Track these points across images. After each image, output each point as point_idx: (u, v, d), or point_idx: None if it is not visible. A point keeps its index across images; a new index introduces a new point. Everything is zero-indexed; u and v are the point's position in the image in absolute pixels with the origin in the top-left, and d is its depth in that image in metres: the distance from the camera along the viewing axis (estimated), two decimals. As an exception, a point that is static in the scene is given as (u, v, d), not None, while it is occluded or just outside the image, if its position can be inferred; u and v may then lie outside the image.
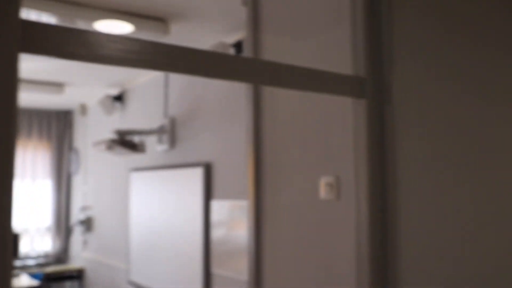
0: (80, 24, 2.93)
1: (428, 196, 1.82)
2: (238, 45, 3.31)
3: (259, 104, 2.25)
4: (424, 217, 1.80)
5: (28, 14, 2.75)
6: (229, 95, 3.50)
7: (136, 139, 4.32)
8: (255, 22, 2.30)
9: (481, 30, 2.05)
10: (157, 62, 1.26)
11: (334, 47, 1.88)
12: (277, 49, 2.19)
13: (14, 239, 5.08)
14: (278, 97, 2.16)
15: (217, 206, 3.55)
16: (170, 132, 4.11)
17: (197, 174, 3.74)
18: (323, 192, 1.87)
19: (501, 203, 2.13)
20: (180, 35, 3.38)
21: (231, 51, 3.32)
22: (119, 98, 4.93)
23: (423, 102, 1.83)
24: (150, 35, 3.12)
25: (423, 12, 1.83)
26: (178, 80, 4.11)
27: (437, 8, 1.89)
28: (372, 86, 1.69)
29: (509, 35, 2.04)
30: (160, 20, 3.08)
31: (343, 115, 1.82)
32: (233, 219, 3.37)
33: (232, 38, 3.44)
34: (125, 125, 4.91)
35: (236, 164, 3.38)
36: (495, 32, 2.15)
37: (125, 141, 3.99)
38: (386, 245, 1.71)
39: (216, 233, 3.54)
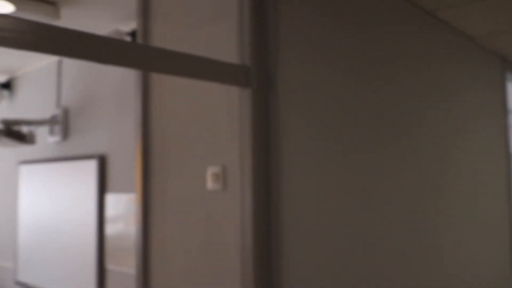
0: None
1: (311, 184, 1.88)
2: (134, 34, 3.21)
3: (148, 94, 2.19)
4: (307, 205, 1.85)
5: None
6: (125, 85, 3.39)
7: (25, 129, 4.04)
8: (145, 10, 2.24)
9: (358, 24, 2.16)
10: (23, 41, 1.17)
11: (222, 38, 1.88)
12: (167, 38, 2.14)
13: None
14: (167, 87, 2.12)
15: (113, 199, 3.43)
16: (63, 123, 3.90)
17: (91, 167, 3.58)
18: (210, 182, 1.87)
19: (383, 187, 2.25)
20: (72, 21, 3.20)
21: (127, 40, 3.21)
22: (6, 85, 4.58)
23: (307, 90, 1.89)
24: (37, 18, 2.92)
25: (307, 5, 1.89)
26: (72, 68, 3.91)
27: (320, 2, 1.95)
28: (257, 75, 1.71)
29: (381, 27, 2.15)
30: (48, 2, 2.90)
31: (230, 105, 1.82)
32: (130, 213, 3.28)
33: (128, 27, 3.33)
34: (14, 115, 4.58)
35: (133, 155, 3.28)
36: (370, 24, 2.28)
37: (12, 132, 3.72)
38: (270, 233, 1.74)
39: (112, 228, 3.41)
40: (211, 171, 1.87)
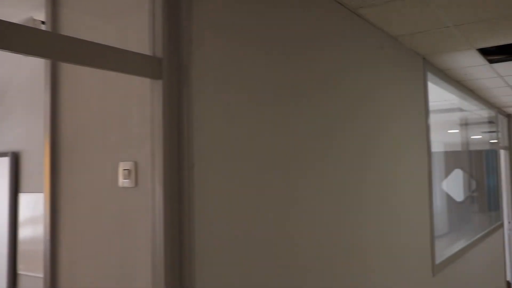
0: None
1: (225, 181, 1.82)
2: (50, 23, 3.02)
3: (57, 86, 2.06)
4: (221, 203, 1.79)
5: None
6: (41, 77, 3.19)
7: None
8: (55, -5, 2.10)
9: (278, 16, 2.13)
10: None
11: (134, 28, 1.79)
12: (78, 28, 2.02)
13: None
14: (78, 79, 2.00)
15: (27, 200, 3.22)
16: (-27, 118, 3.61)
17: (3, 165, 3.35)
18: (121, 179, 1.77)
19: (303, 184, 2.23)
20: (-21, 6, 2.96)
21: (42, 28, 3.02)
22: None
23: (223, 83, 1.83)
24: None
25: (222, -3, 1.83)
26: (-18, 58, 3.63)
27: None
28: (169, 66, 1.64)
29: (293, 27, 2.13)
30: (-50, -15, 2.66)
31: (141, 98, 1.74)
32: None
33: (44, 15, 3.13)
34: None
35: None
36: (291, 16, 2.26)
37: None
38: (182, 232, 1.67)
39: (27, 229, 3.20)
40: (122, 167, 1.77)
